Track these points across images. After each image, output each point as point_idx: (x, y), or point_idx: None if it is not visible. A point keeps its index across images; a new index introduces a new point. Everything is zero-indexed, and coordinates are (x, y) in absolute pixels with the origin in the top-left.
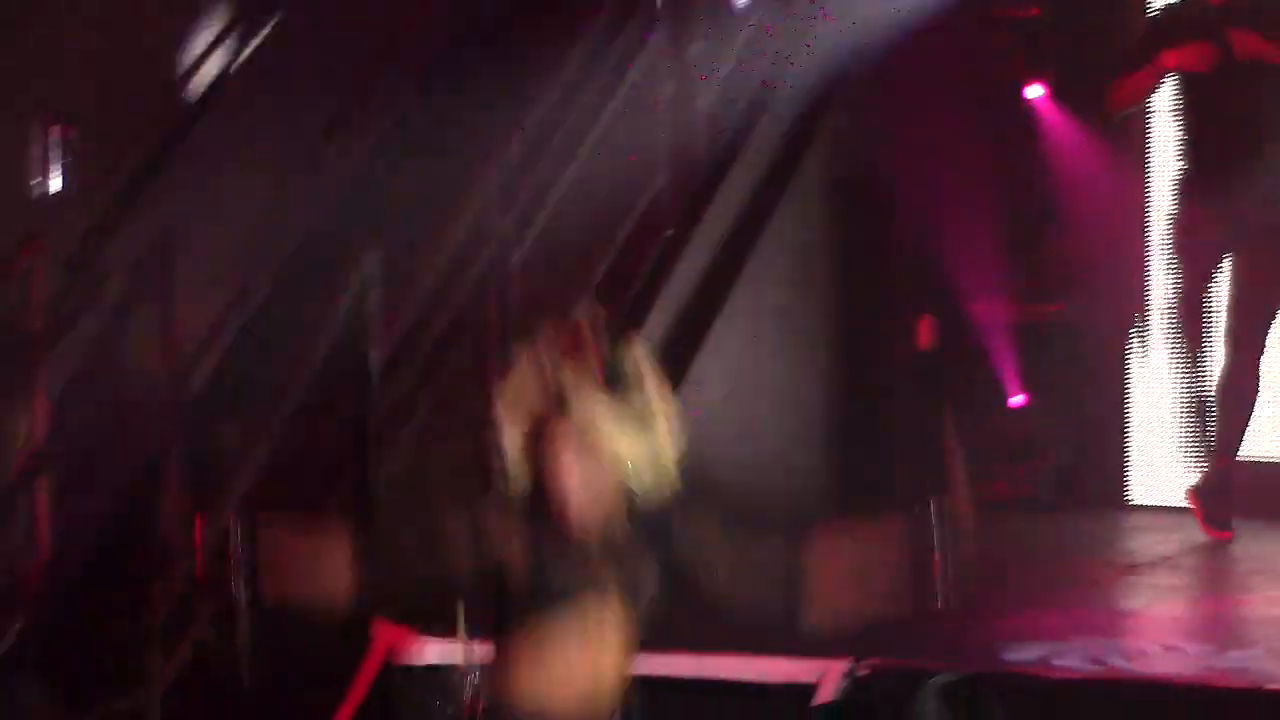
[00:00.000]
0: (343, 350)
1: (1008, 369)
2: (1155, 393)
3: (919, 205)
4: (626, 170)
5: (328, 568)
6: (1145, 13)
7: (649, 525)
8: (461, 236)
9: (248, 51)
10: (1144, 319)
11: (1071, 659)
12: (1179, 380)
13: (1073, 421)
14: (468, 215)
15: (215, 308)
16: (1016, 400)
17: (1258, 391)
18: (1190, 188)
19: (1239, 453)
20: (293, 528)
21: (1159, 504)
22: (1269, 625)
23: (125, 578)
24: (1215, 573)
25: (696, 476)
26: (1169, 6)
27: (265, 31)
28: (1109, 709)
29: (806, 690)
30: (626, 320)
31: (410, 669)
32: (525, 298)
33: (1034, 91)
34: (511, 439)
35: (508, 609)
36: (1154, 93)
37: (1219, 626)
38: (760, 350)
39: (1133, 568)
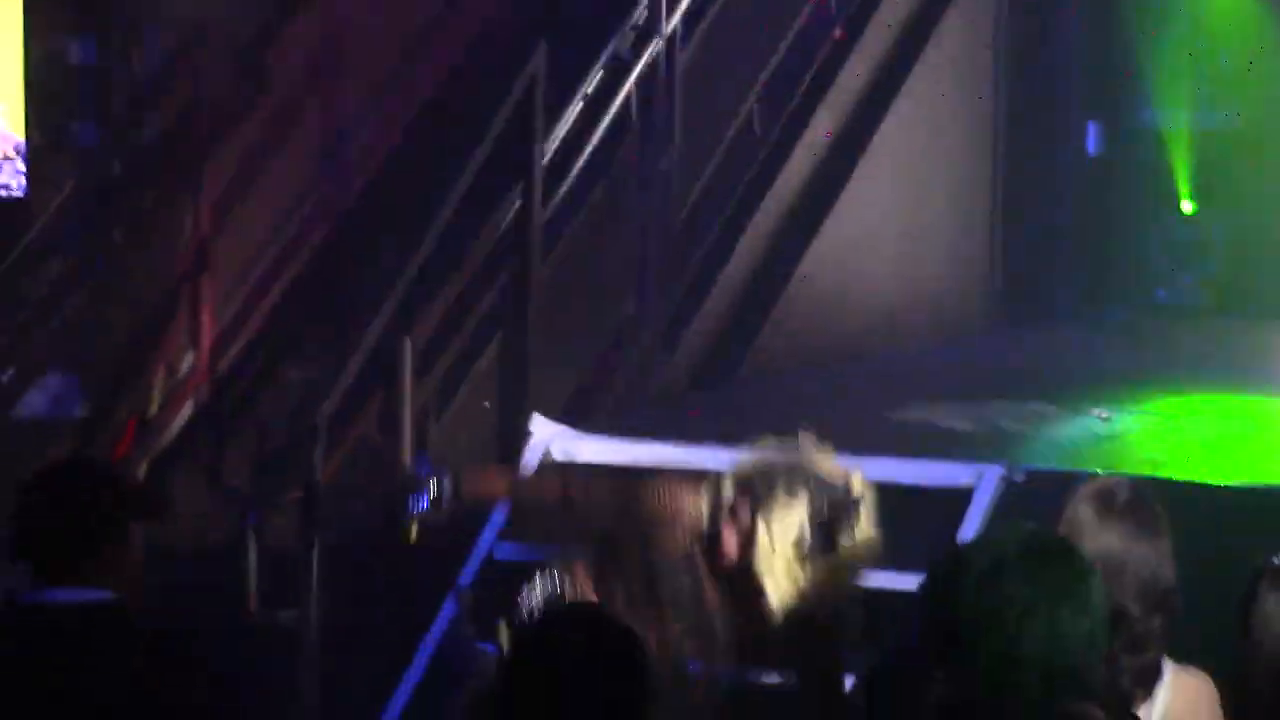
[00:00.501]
0: None
1: (1177, 178)
2: None
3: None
4: None
5: None
6: None
7: None
8: None
9: None
10: None
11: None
12: None
13: (1238, 231)
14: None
15: None
16: (1185, 208)
17: None
18: None
19: None
20: None
21: None
22: None
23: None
24: None
25: None
26: None
27: None
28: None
29: (964, 492)
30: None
31: None
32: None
33: None
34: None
35: None
36: None
37: None
38: (930, 148)
39: None
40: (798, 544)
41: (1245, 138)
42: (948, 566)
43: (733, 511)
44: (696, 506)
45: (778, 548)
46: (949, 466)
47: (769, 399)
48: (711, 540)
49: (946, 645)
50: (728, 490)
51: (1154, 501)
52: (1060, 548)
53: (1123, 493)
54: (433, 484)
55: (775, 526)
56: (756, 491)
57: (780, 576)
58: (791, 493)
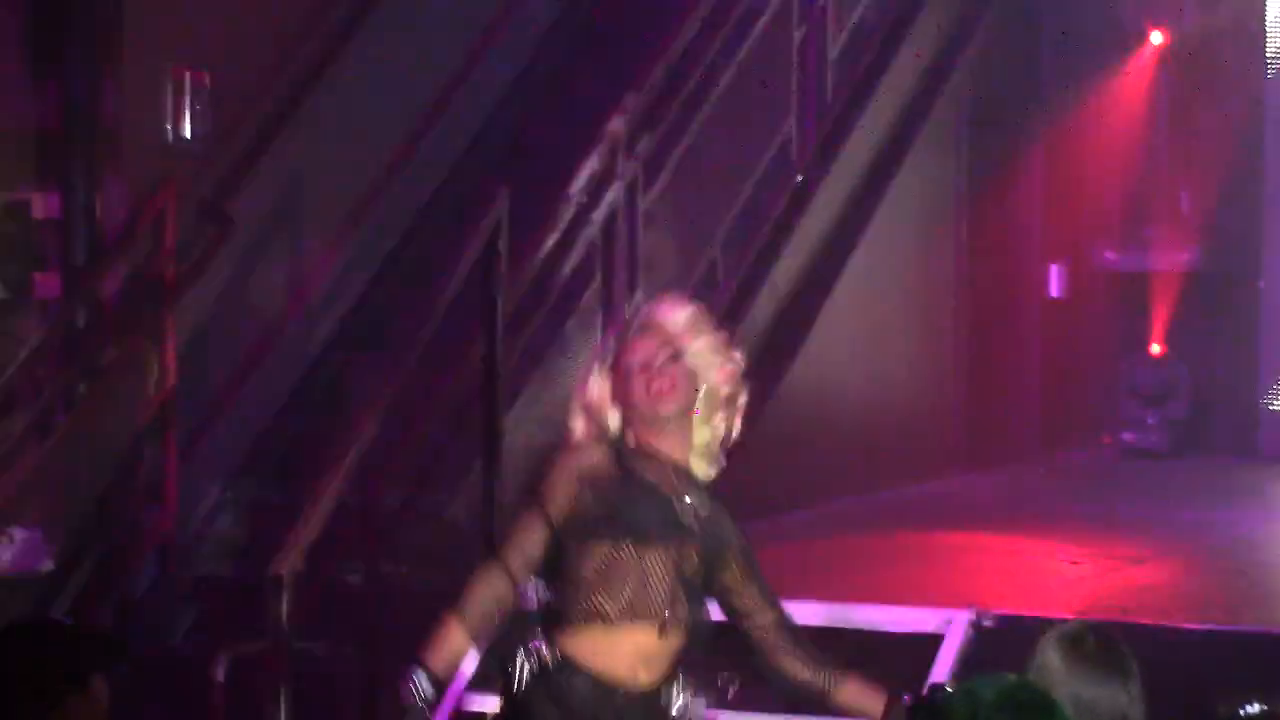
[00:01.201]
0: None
1: (1140, 320)
2: None
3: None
4: (756, 117)
5: None
6: None
7: None
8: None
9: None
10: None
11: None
12: None
13: (1204, 372)
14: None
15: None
16: (1153, 350)
17: None
18: None
19: None
20: None
21: None
22: None
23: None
24: None
25: None
26: None
27: None
28: (1234, 660)
29: (933, 639)
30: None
31: None
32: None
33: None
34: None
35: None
36: None
37: None
38: (892, 295)
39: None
40: (729, 395)
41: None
42: (927, 715)
43: (674, 358)
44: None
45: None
46: (918, 612)
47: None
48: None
49: None
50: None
51: (1120, 644)
52: (1037, 698)
53: (1090, 636)
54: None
55: (711, 374)
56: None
57: (716, 423)
58: (716, 351)
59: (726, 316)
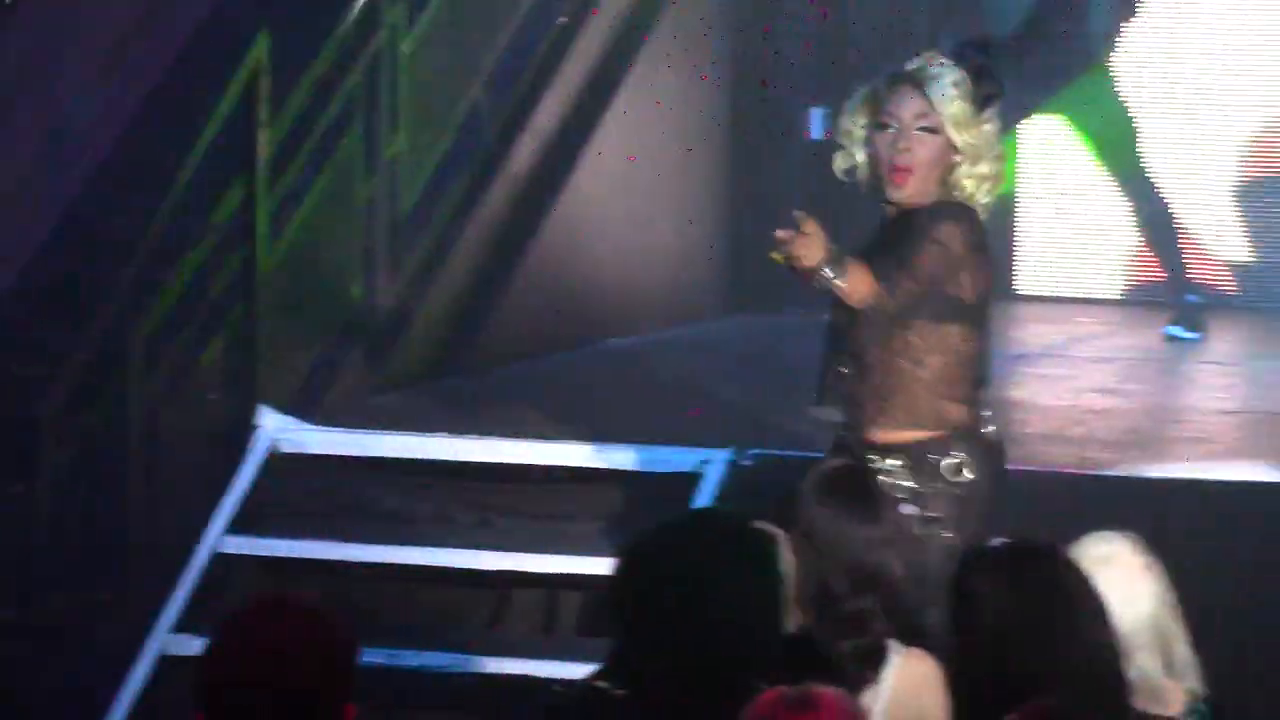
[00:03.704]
0: None
1: None
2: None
3: None
4: None
5: None
6: None
7: None
8: None
9: None
10: None
11: None
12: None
13: None
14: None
15: None
16: None
17: None
18: None
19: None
20: None
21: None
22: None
23: None
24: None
25: None
26: None
27: None
28: None
29: (691, 478)
30: None
31: None
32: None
33: None
34: None
35: None
36: None
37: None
38: (656, 134)
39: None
40: None
41: None
42: (630, 548)
43: None
44: None
45: None
46: (676, 451)
47: (498, 388)
48: None
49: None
50: None
51: (873, 488)
52: (731, 523)
53: (844, 476)
54: None
55: None
56: None
57: None
58: None
59: (490, 159)
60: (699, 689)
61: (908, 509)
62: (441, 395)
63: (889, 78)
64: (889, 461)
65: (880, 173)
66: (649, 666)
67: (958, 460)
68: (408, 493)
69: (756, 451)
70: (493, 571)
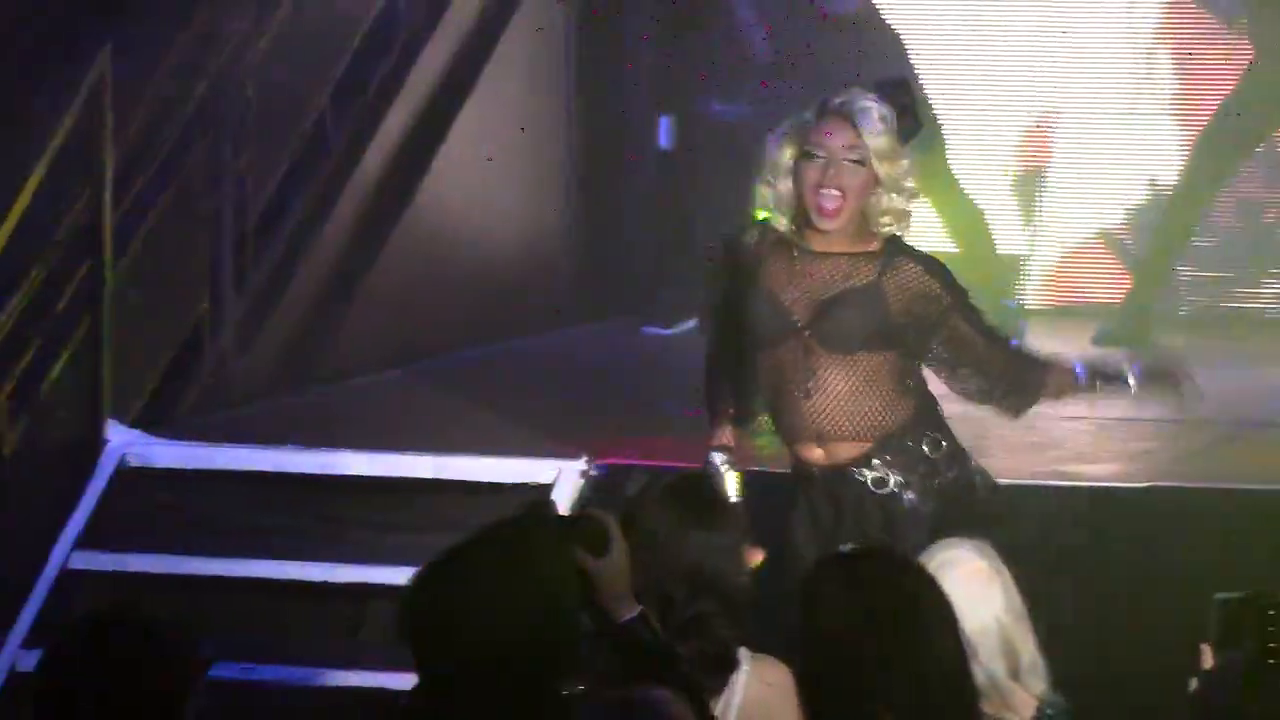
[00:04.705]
0: None
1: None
2: None
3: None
4: None
5: None
6: None
7: None
8: None
9: None
10: None
11: None
12: None
13: None
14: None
15: None
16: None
17: None
18: None
19: None
20: None
21: None
22: None
23: None
24: None
25: None
26: None
27: None
28: None
29: (544, 489)
30: None
31: None
32: None
33: None
34: None
35: None
36: None
37: None
38: (505, 144)
39: None
40: None
41: None
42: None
43: None
44: None
45: None
46: (529, 463)
47: (348, 401)
48: None
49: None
50: None
51: (719, 498)
52: (509, 532)
53: (688, 484)
54: None
55: None
56: None
57: None
58: None
59: (337, 169)
60: (493, 694)
61: (909, 499)
62: (292, 408)
63: (819, 108)
64: (875, 462)
65: (808, 203)
66: (445, 675)
67: (934, 436)
68: (259, 506)
69: (609, 462)
70: (346, 584)
